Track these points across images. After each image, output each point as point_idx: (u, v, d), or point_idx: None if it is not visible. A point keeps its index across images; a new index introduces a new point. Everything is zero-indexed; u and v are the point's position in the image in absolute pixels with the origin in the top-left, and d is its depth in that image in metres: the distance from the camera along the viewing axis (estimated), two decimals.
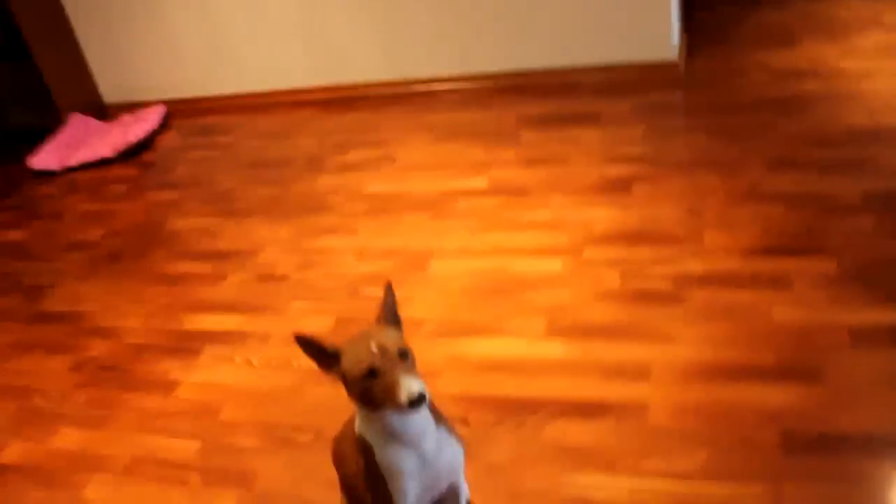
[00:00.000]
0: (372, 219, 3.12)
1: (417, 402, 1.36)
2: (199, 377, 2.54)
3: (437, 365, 2.37)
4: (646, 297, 2.49)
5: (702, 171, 3.02)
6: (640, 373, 2.23)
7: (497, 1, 3.75)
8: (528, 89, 3.85)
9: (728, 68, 3.72)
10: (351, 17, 3.91)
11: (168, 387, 2.53)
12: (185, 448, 2.28)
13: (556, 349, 2.35)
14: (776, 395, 2.09)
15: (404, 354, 1.44)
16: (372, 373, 1.40)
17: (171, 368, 2.59)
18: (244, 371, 2.52)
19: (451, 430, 1.63)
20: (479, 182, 3.20)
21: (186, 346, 2.68)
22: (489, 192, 3.13)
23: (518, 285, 2.63)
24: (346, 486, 1.70)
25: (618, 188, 3.01)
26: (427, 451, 1.54)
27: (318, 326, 2.63)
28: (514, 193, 3.09)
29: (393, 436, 1.50)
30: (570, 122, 3.50)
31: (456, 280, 2.71)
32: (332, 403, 2.32)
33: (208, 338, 2.70)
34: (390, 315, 1.54)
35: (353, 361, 1.43)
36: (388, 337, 1.46)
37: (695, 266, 2.58)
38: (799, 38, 3.91)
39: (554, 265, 2.68)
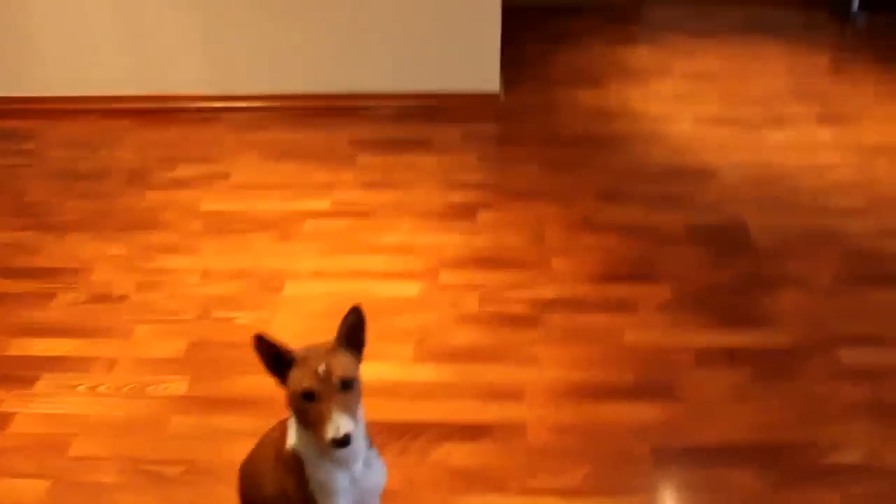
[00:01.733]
0: (213, 238, 2.99)
1: (340, 443, 1.36)
2: (38, 408, 2.30)
3: None
4: (506, 321, 2.59)
5: (539, 200, 3.19)
6: (513, 394, 2.32)
7: (330, 22, 3.74)
8: (357, 112, 3.86)
9: (544, 104, 3.96)
10: (175, 25, 3.73)
11: (1, 420, 2.27)
12: (32, 489, 2.06)
13: (428, 372, 2.39)
14: (642, 412, 2.26)
15: (348, 385, 1.42)
16: (308, 396, 1.39)
17: (2, 399, 2.33)
18: (91, 400, 2.32)
19: (376, 451, 1.62)
20: (323, 204, 3.17)
21: (17, 373, 2.42)
22: (334, 214, 3.11)
23: (379, 309, 2.64)
24: None
25: (463, 214, 3.10)
26: (356, 470, 1.52)
27: (170, 350, 2.48)
28: (361, 216, 3.09)
29: (329, 454, 1.47)
30: (404, 147, 3.56)
31: (313, 303, 2.67)
32: (200, 432, 2.20)
33: (43, 364, 2.45)
34: (351, 338, 1.50)
35: (296, 378, 1.40)
36: (339, 363, 1.43)
37: (547, 291, 2.72)
38: (605, 80, 4.23)
39: (411, 289, 2.72)
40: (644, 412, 2.27)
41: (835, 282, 2.79)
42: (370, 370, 2.37)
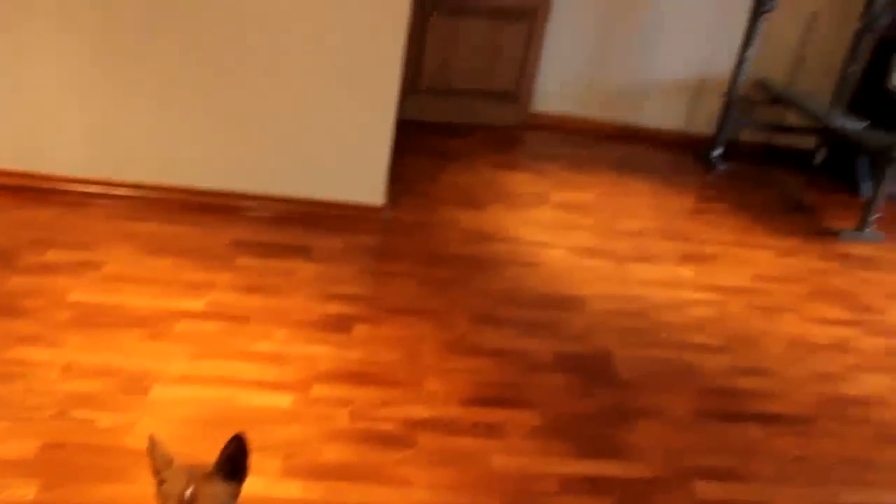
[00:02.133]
0: (78, 331, 2.88)
1: None
2: None
3: None
4: (376, 439, 2.59)
5: (415, 318, 3.24)
6: None
7: (218, 116, 3.73)
8: (239, 212, 3.84)
9: (426, 221, 4.06)
10: (56, 100, 3.63)
11: None
12: None
13: (295, 489, 2.35)
14: None
15: None
16: None
17: None
18: None
19: None
20: (197, 304, 3.11)
21: None
22: (208, 316, 3.06)
23: (247, 419, 2.59)
24: None
25: (339, 327, 3.11)
26: None
27: (20, 451, 2.34)
28: (235, 320, 3.05)
29: None
30: (284, 253, 3.56)
31: (180, 408, 2.60)
32: None
33: None
34: (228, 466, 1.50)
35: (166, 493, 1.42)
36: (207, 492, 1.44)
37: (419, 411, 2.74)
38: (486, 202, 4.39)
39: (283, 400, 2.69)
40: None
41: (691, 416, 2.94)
42: None
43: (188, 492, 1.40)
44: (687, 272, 3.97)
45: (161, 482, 1.48)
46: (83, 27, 3.54)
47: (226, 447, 1.51)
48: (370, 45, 3.66)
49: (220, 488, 1.46)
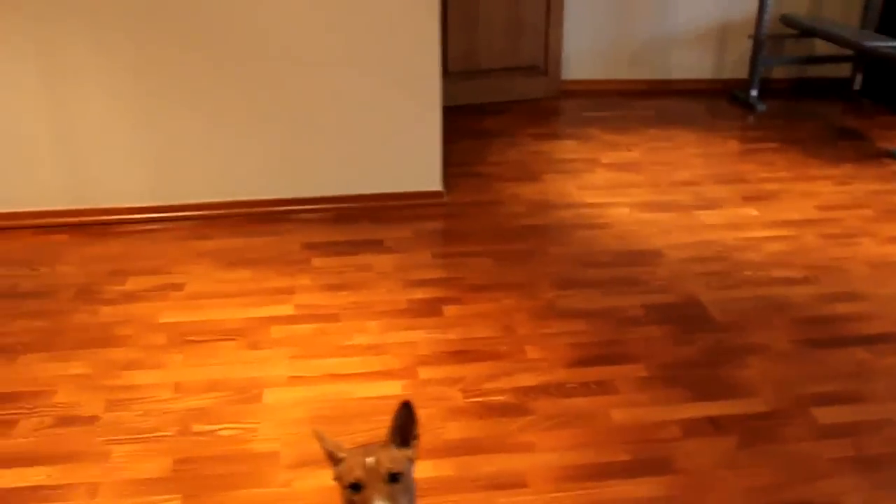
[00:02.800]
0: (177, 350, 2.90)
1: None
2: None
3: (311, 497, 2.26)
4: (493, 411, 2.60)
5: (500, 292, 3.24)
6: (516, 483, 2.31)
7: (271, 129, 3.76)
8: (303, 216, 3.86)
9: (485, 199, 4.06)
10: (110, 136, 3.67)
11: None
12: None
13: (426, 469, 2.35)
14: (644, 488, 2.30)
15: (395, 478, 1.47)
16: (355, 486, 1.44)
17: None
18: None
19: None
20: (286, 309, 3.13)
21: None
22: (299, 319, 3.07)
23: (363, 410, 2.60)
24: None
25: (429, 311, 3.12)
26: None
27: (155, 470, 2.37)
28: (325, 319, 3.07)
29: None
30: (356, 249, 3.57)
31: (295, 409, 2.61)
32: None
33: (17, 496, 2.29)
34: (398, 434, 1.52)
35: (345, 470, 1.47)
36: (386, 456, 1.47)
37: (527, 379, 2.75)
38: (537, 174, 4.39)
39: (393, 388, 2.70)
40: (646, 487, 2.29)
41: (794, 347, 2.93)
42: None
43: (370, 459, 1.44)
44: (752, 212, 3.95)
45: (338, 461, 1.50)
46: (122, 59, 3.57)
47: (395, 418, 1.54)
48: (406, 32, 3.67)
49: (398, 453, 1.49)
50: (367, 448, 1.51)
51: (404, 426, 1.55)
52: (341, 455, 1.51)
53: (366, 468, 1.44)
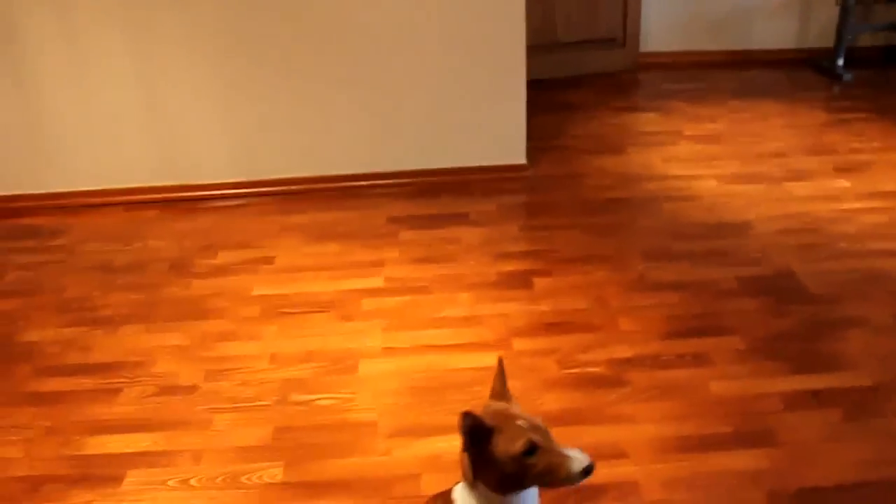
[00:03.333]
0: (271, 322, 2.94)
1: (589, 471, 1.35)
2: None
3: (412, 465, 2.27)
4: (589, 382, 2.58)
5: (590, 265, 3.21)
6: (616, 453, 2.29)
7: (355, 103, 3.77)
8: (387, 190, 3.87)
9: (569, 172, 4.02)
10: (198, 113, 3.72)
11: None
12: None
13: None
14: (746, 460, 2.26)
15: (547, 429, 1.41)
16: (532, 450, 1.35)
17: (90, 501, 2.22)
18: (186, 494, 2.23)
19: None
20: (376, 281, 3.15)
21: (99, 472, 2.32)
22: (390, 291, 3.09)
23: (458, 381, 2.60)
24: None
25: (519, 284, 3.10)
26: None
27: (256, 438, 2.41)
28: (416, 291, 3.08)
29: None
30: (443, 223, 3.57)
31: (391, 380, 2.63)
32: None
33: (125, 461, 2.35)
34: (506, 391, 1.49)
35: (508, 439, 1.36)
36: (528, 414, 1.43)
37: (621, 350, 2.72)
38: (621, 146, 4.33)
39: (487, 359, 2.69)
40: (748, 459, 2.26)
41: (894, 321, 2.84)
42: None
43: (521, 423, 1.38)
44: (844, 183, 3.84)
45: (492, 431, 1.39)
46: (211, 36, 3.60)
47: (500, 372, 1.51)
48: (491, 5, 3.63)
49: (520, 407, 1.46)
50: (503, 412, 1.44)
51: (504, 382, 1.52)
52: (489, 427, 1.36)
53: (536, 429, 1.37)
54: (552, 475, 1.36)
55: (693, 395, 2.51)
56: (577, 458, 1.35)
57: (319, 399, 2.56)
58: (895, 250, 3.26)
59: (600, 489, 2.17)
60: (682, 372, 2.61)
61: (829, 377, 2.58)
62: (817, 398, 2.49)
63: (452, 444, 2.31)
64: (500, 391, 1.50)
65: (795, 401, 2.48)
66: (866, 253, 3.26)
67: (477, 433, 1.36)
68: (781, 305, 2.94)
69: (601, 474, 2.18)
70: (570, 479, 1.35)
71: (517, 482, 1.39)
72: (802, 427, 2.37)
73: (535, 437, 1.36)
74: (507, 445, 1.36)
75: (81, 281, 3.28)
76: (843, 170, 3.97)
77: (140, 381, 2.69)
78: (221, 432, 2.45)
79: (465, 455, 1.42)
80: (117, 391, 2.65)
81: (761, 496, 2.14)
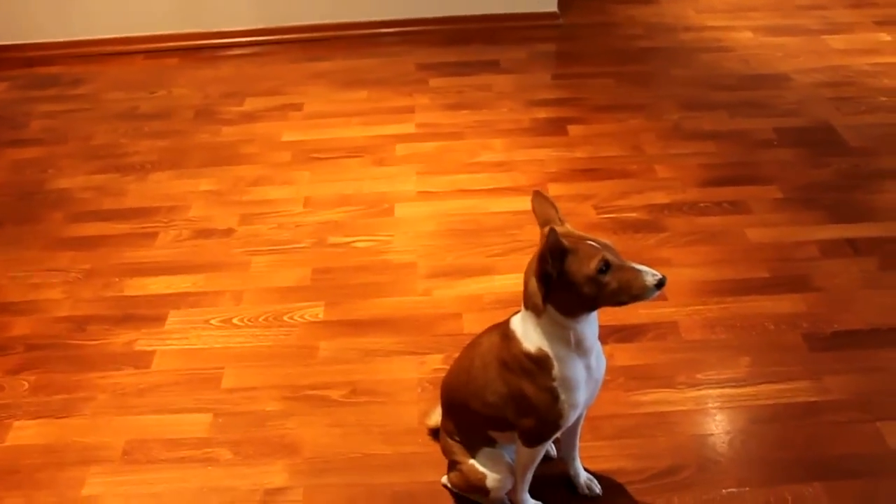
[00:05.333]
0: (304, 167, 2.92)
1: (661, 284, 1.35)
2: (176, 344, 2.23)
3: (453, 305, 2.29)
4: (628, 227, 2.57)
5: (624, 113, 3.16)
6: (657, 296, 2.29)
7: None
8: (416, 37, 3.77)
9: (601, 22, 3.91)
10: None
11: (141, 359, 2.19)
12: (195, 423, 2.00)
13: None
14: (783, 303, 2.27)
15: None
16: (606, 267, 1.35)
17: (134, 339, 2.25)
18: (229, 333, 2.26)
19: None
20: (408, 127, 3.11)
21: (143, 312, 2.34)
22: (423, 137, 3.05)
23: (495, 224, 2.60)
24: (479, 417, 1.60)
25: (553, 130, 3.06)
26: (592, 360, 1.50)
27: (295, 279, 2.43)
28: (449, 137, 3.04)
29: (578, 345, 1.45)
30: (473, 69, 3.50)
31: (428, 222, 2.63)
32: (352, 355, 2.15)
33: (166, 301, 2.38)
34: (561, 217, 1.47)
35: (583, 259, 1.35)
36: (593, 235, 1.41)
37: (659, 197, 2.70)
38: None
39: (524, 203, 2.62)
40: (785, 303, 2.27)
41: None
42: (507, 284, 2.34)
43: (605, 241, 1.36)
44: (886, 37, 3.73)
45: (568, 252, 1.37)
46: None
47: (545, 202, 1.48)
48: None
49: None
50: (572, 234, 1.43)
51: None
52: (568, 245, 1.35)
53: (609, 248, 1.37)
54: (626, 291, 1.35)
55: (731, 240, 2.51)
56: (650, 272, 1.35)
57: (357, 241, 2.56)
58: None
59: (641, 329, 2.19)
60: (719, 219, 2.60)
61: (865, 227, 2.57)
62: (853, 246, 2.48)
63: (492, 285, 2.35)
64: (555, 218, 1.47)
65: (832, 249, 2.47)
66: None
67: (555, 252, 1.35)
68: (819, 157, 2.91)
69: (642, 314, 2.22)
70: (645, 292, 1.35)
71: (591, 302, 1.38)
72: (838, 274, 2.38)
73: (609, 256, 1.35)
74: (581, 265, 1.35)
75: (107, 129, 3.24)
76: (883, 23, 3.85)
77: (175, 225, 2.69)
78: (260, 273, 2.47)
79: (537, 279, 1.42)
80: (153, 235, 2.65)
81: (797, 338, 2.16)
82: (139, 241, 2.63)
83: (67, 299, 2.42)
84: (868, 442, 1.87)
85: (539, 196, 1.50)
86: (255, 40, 3.77)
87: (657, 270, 1.34)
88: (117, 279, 2.48)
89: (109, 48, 3.75)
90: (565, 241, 1.35)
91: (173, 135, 3.17)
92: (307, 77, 3.50)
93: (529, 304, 1.46)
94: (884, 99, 3.24)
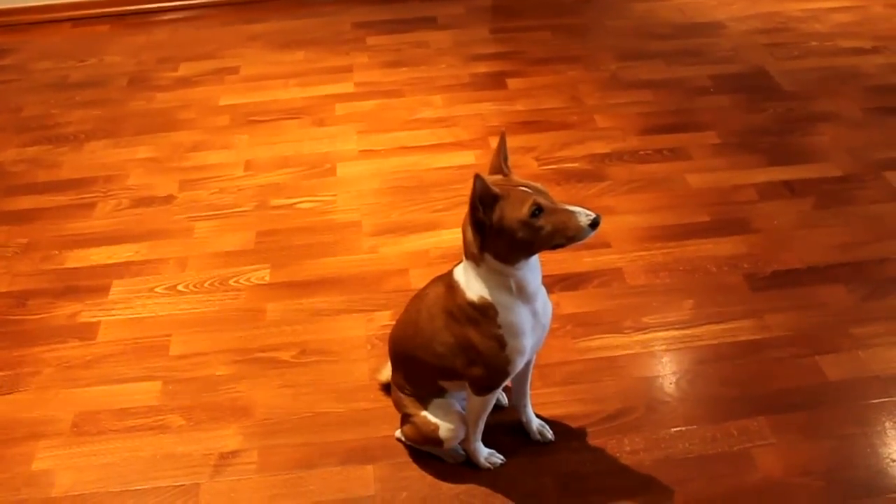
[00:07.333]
0: (242, 130, 2.88)
1: (596, 223, 1.35)
2: (121, 314, 2.20)
3: (399, 261, 2.29)
4: (570, 177, 2.59)
5: (562, 65, 3.17)
6: (600, 243, 2.33)
7: None
8: None
9: None
10: None
11: (86, 331, 2.15)
12: (145, 391, 1.98)
13: None
14: (724, 246, 2.32)
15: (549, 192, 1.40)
16: (539, 211, 1.34)
17: (78, 311, 2.21)
18: (175, 300, 2.23)
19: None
20: (346, 86, 3.08)
21: (85, 283, 2.30)
22: (362, 96, 3.03)
23: (439, 180, 2.60)
24: (428, 368, 1.61)
25: (493, 84, 3.06)
26: (538, 306, 1.51)
27: (239, 242, 2.40)
28: (389, 95, 3.02)
29: (521, 292, 1.45)
30: (410, 26, 3.47)
31: (371, 180, 2.61)
32: (300, 316, 2.14)
33: (109, 272, 2.34)
34: (506, 166, 1.47)
35: (514, 204, 1.35)
36: (528, 180, 1.40)
37: (599, 146, 2.73)
38: None
39: (466, 158, 2.68)
40: (726, 245, 2.32)
41: (865, 114, 2.89)
42: (451, 239, 2.34)
43: (524, 188, 1.36)
44: None
45: (498, 197, 1.36)
46: None
47: (501, 147, 1.47)
48: None
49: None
50: (503, 180, 1.42)
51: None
52: (498, 191, 1.36)
53: (541, 192, 1.36)
54: (561, 233, 1.35)
55: (672, 187, 2.55)
56: (584, 213, 1.35)
57: (300, 202, 2.54)
58: (865, 48, 3.27)
59: (585, 276, 2.22)
60: (659, 166, 2.64)
61: (801, 169, 2.63)
62: (790, 188, 2.54)
63: (438, 240, 2.36)
64: (499, 166, 1.47)
65: (769, 191, 2.53)
66: (837, 51, 3.26)
67: (485, 199, 1.36)
68: (755, 102, 2.95)
69: (586, 262, 2.25)
70: (580, 233, 1.35)
71: (527, 247, 1.39)
72: (776, 215, 2.43)
73: (541, 200, 1.35)
74: (514, 210, 1.35)
75: (37, 100, 3.16)
76: None
77: (114, 195, 2.64)
78: (203, 239, 2.44)
79: (471, 228, 1.42)
80: (92, 205, 2.60)
81: (739, 278, 2.21)
82: (77, 212, 2.57)
83: (5, 274, 2.36)
84: (808, 375, 1.93)
85: (500, 141, 1.49)
86: (189, 4, 3.69)
87: (591, 210, 1.34)
88: (57, 252, 2.43)
89: (34, 17, 3.64)
90: (495, 188, 1.35)
91: (107, 103, 3.10)
92: (242, 40, 3.44)
93: (468, 254, 1.46)
94: (815, 44, 3.30)
